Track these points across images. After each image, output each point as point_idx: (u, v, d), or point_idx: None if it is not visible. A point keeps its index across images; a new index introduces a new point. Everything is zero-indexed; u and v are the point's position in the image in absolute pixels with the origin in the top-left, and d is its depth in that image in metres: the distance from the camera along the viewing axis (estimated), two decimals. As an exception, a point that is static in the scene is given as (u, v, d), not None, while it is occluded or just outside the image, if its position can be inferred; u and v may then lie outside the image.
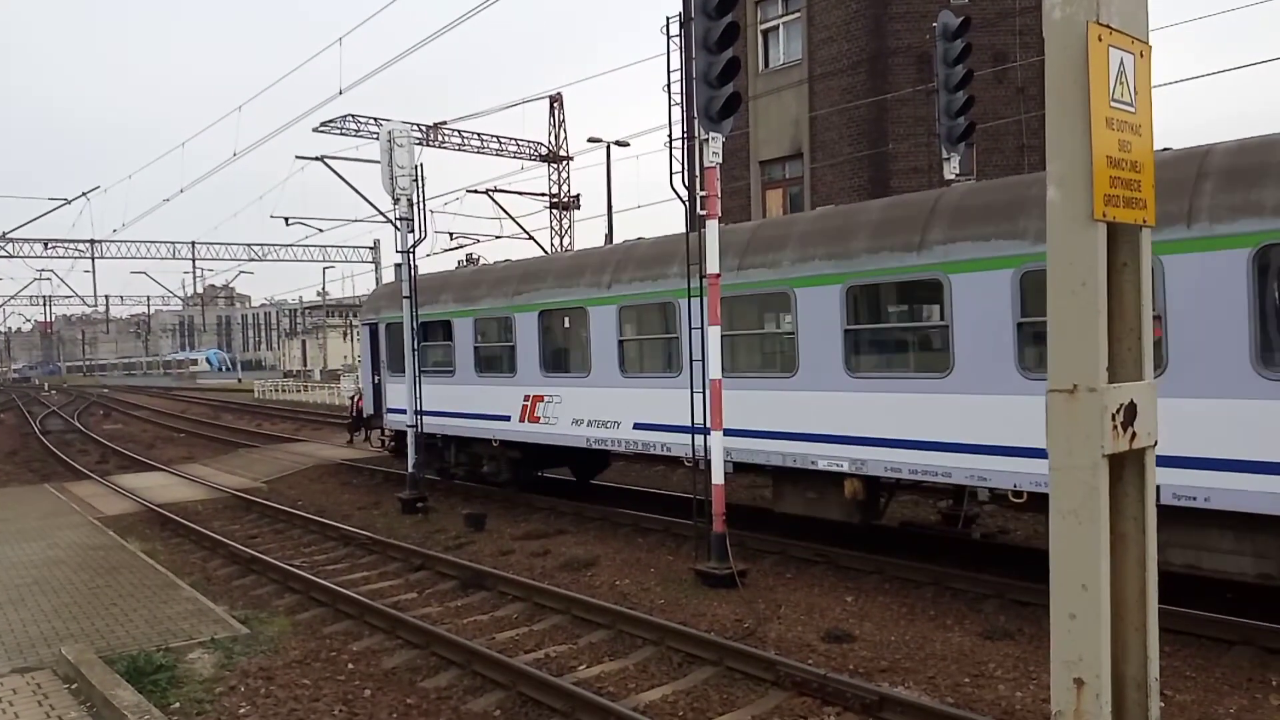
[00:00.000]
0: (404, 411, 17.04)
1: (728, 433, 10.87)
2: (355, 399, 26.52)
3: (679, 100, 12.05)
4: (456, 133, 38.66)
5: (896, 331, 10.93)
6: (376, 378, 19.04)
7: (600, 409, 13.48)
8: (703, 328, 10.70)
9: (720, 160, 10.66)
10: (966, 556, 10.94)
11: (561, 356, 14.73)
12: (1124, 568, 3.31)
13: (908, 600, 9.74)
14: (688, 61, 10.88)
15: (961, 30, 12.69)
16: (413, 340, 16.47)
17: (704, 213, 10.71)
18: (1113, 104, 3.17)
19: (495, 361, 15.82)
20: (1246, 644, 7.83)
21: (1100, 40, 3.10)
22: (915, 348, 10.48)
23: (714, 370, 10.56)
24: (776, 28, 22.05)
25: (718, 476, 10.56)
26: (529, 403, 14.71)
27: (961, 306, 9.29)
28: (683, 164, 11.56)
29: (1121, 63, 3.21)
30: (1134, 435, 3.16)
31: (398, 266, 17.22)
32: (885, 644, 8.38)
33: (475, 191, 33.16)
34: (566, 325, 14.55)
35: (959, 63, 12.73)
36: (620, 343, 13.37)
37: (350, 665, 8.44)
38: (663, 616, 9.25)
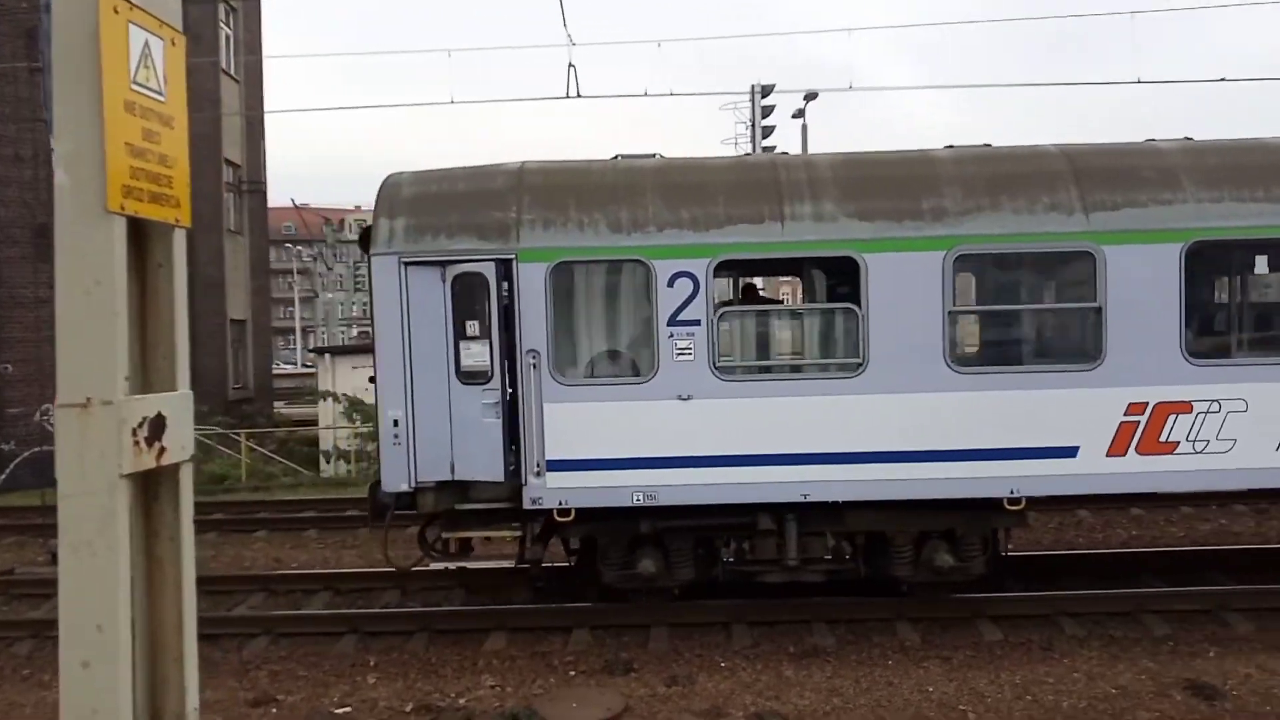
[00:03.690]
0: (626, 464, 8.06)
1: None
2: None
3: None
4: None
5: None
6: (490, 394, 8.17)
7: None
8: None
9: None
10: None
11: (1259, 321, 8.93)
12: (162, 595, 3.06)
13: None
14: None
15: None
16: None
17: None
18: (135, 87, 2.89)
19: (1047, 338, 8.72)
20: (352, 632, 8.56)
21: (117, 12, 2.79)
22: None
23: None
24: None
25: None
26: (1140, 418, 7.87)
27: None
28: None
29: (147, 44, 2.96)
30: (163, 450, 2.92)
31: None
32: None
33: None
34: None
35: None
36: None
37: None
38: None
